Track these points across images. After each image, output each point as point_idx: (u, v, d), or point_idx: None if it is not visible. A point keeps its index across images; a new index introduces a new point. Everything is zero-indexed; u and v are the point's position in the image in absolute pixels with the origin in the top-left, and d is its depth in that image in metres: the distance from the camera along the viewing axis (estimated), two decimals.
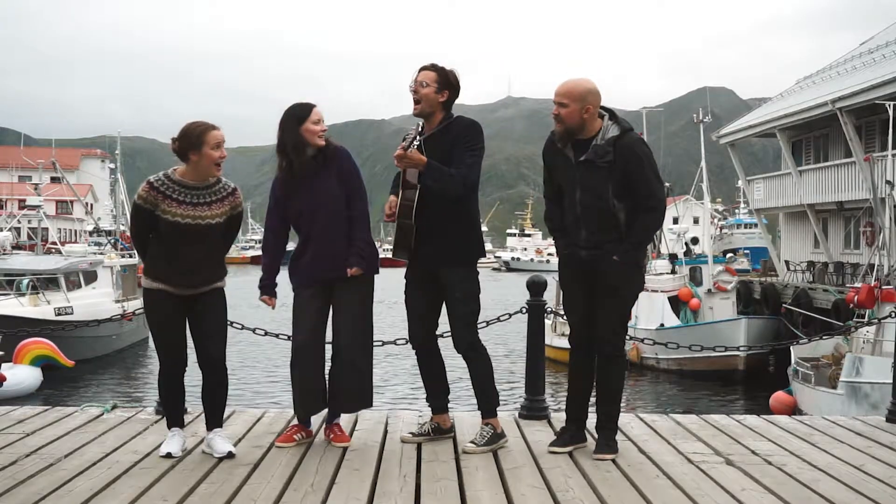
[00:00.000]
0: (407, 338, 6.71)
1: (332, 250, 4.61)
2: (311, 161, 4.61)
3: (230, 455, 4.38)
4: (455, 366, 4.99)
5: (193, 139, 4.32)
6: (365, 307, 4.72)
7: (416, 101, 4.62)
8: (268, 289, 4.74)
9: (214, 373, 4.53)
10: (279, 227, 4.75)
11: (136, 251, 4.66)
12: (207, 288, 4.50)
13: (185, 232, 4.37)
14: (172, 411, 4.59)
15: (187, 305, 4.46)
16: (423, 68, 4.65)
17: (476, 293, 4.70)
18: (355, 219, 4.66)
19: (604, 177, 4.41)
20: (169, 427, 4.57)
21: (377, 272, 4.77)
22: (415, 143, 4.51)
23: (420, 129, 4.60)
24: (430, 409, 4.91)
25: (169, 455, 4.38)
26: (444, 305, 4.73)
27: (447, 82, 4.62)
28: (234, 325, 5.69)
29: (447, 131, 4.61)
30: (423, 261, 4.67)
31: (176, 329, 4.47)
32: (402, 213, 4.60)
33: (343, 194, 4.63)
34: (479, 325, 4.79)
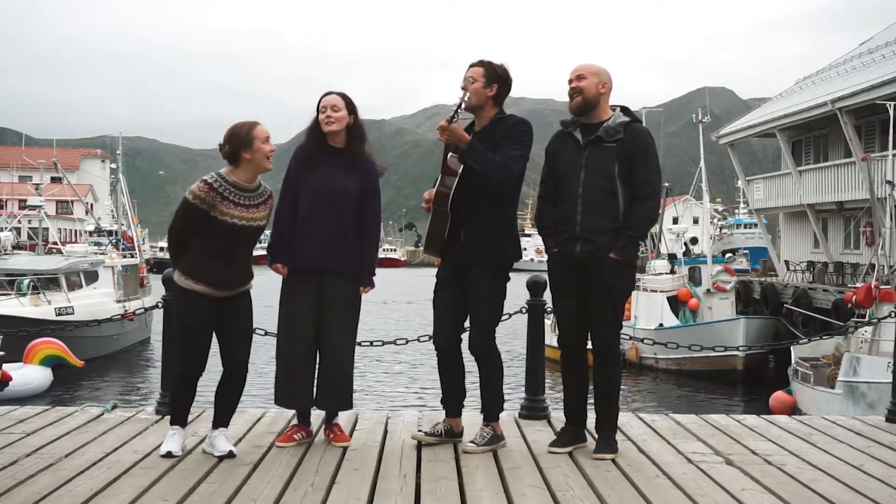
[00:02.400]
0: (406, 338, 6.79)
1: (328, 238, 4.62)
2: (336, 151, 4.68)
3: (230, 455, 4.38)
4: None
5: (243, 137, 4.35)
6: (353, 309, 4.73)
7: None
8: (280, 257, 4.73)
9: (237, 374, 4.55)
10: (294, 196, 4.71)
11: (169, 249, 4.58)
12: (242, 289, 4.52)
13: (239, 234, 4.38)
14: (180, 411, 4.57)
15: (218, 308, 4.45)
16: (472, 65, 4.67)
17: (501, 298, 4.69)
18: (368, 238, 4.71)
19: (611, 156, 4.48)
20: (171, 424, 4.56)
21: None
22: (458, 115, 4.44)
23: (465, 97, 4.51)
24: (443, 411, 4.85)
25: (169, 454, 4.38)
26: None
27: (495, 76, 4.62)
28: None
29: (498, 126, 4.61)
30: (455, 257, 4.64)
31: (206, 333, 4.45)
32: (438, 201, 4.54)
33: (358, 198, 4.67)
34: None
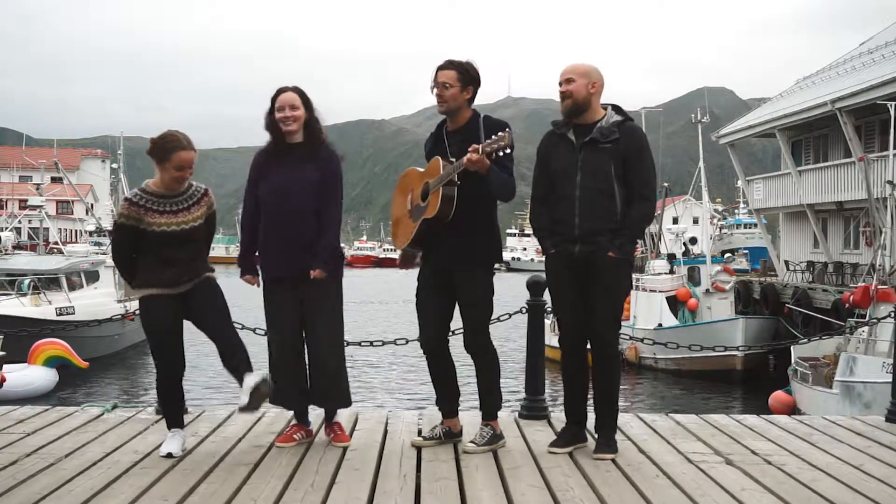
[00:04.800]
0: (407, 338, 6.78)
1: (294, 241, 4.58)
2: (295, 147, 4.62)
3: (256, 390, 4.29)
4: (460, 367, 4.96)
5: (161, 153, 4.41)
6: (333, 307, 4.70)
7: (442, 101, 4.59)
8: (249, 268, 4.75)
9: (232, 343, 4.48)
10: (256, 204, 4.73)
11: (120, 272, 4.71)
12: (199, 279, 4.52)
13: (171, 239, 4.42)
14: (172, 413, 4.59)
15: (182, 305, 4.46)
16: (441, 67, 4.58)
17: (490, 296, 4.67)
18: (326, 223, 4.62)
19: (607, 157, 4.47)
20: (169, 428, 4.57)
21: (341, 275, 4.77)
22: (502, 152, 4.37)
23: (509, 141, 4.41)
24: (440, 413, 4.84)
25: (169, 455, 4.38)
26: (456, 307, 4.69)
27: (469, 78, 4.58)
28: (234, 324, 5.69)
29: (475, 126, 4.58)
30: (438, 261, 4.63)
31: (174, 333, 4.46)
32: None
33: (319, 186, 4.60)
34: None
